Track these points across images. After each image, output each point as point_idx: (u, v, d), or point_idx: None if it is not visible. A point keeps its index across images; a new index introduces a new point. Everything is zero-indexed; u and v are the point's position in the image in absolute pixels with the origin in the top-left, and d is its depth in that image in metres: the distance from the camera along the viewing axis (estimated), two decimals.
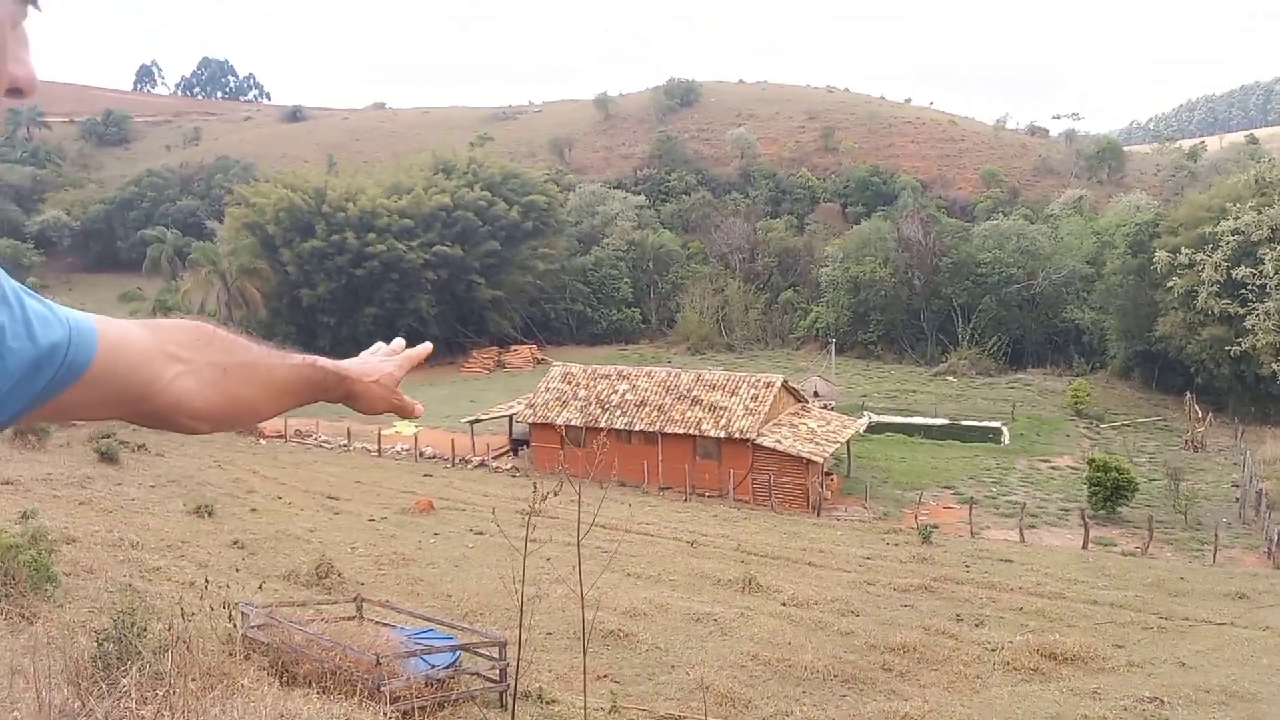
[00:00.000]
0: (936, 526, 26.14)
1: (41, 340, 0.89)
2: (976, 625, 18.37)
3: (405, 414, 1.38)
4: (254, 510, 22.41)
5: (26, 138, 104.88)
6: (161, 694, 6.80)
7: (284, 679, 11.07)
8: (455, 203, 59.16)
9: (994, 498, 30.76)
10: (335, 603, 14.75)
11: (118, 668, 7.89)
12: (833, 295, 60.02)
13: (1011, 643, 17.01)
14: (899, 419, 42.96)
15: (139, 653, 8.30)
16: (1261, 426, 38.37)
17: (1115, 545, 26.06)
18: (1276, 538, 25.00)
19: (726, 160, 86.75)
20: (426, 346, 1.49)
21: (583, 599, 6.58)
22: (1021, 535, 26.40)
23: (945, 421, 42.92)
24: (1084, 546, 25.51)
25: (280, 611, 13.22)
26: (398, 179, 62.05)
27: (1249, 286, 12.95)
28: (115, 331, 0.99)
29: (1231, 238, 12.86)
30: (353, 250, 54.89)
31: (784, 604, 19.17)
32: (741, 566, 20.91)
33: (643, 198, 75.77)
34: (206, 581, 13.22)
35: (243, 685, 9.18)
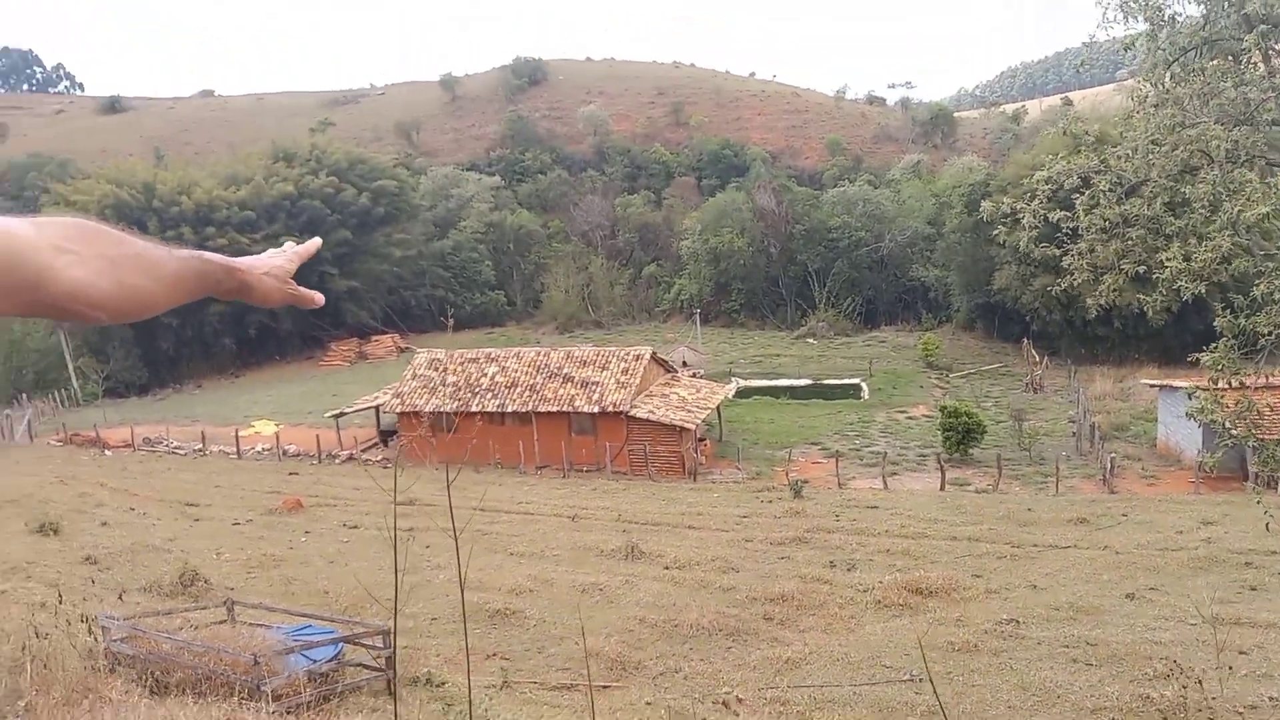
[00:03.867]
0: (806, 481, 27.12)
1: None
2: (849, 570, 19.22)
3: (303, 303, 1.40)
4: (105, 524, 20.98)
5: None
6: (23, 705, 6.35)
7: (155, 689, 10.50)
8: (300, 191, 56.73)
9: (858, 449, 32.20)
10: (204, 608, 14.04)
11: None
12: (694, 267, 61.09)
13: (881, 582, 17.88)
14: (765, 382, 44.30)
15: None
16: (1091, 366, 41.70)
17: (969, 484, 27.78)
18: (1110, 465, 27.27)
19: (580, 138, 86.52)
20: (316, 241, 1.51)
21: (462, 576, 6.56)
22: (885, 482, 27.76)
23: (809, 381, 44.55)
24: (941, 488, 27.08)
25: (145, 622, 12.49)
26: (234, 169, 58.92)
27: (1063, 230, 13.95)
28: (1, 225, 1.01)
29: (1045, 186, 13.82)
30: (190, 246, 51.09)
31: (667, 567, 19.50)
32: (623, 536, 21.12)
33: (498, 179, 74.68)
34: (60, 599, 12.34)
35: (110, 699, 8.64)
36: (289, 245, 1.47)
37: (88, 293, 1.08)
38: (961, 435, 30.04)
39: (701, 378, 39.00)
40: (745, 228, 59.34)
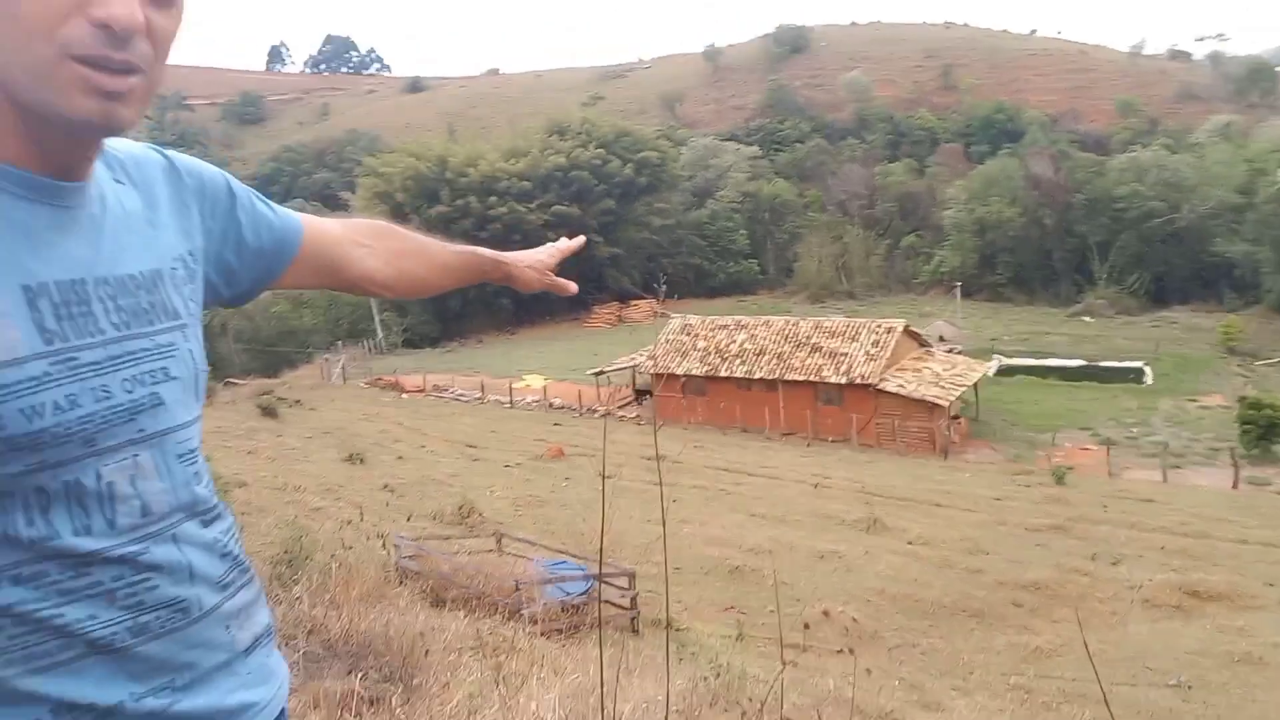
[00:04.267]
0: (1072, 468, 25.36)
1: (268, 237, 1.25)
2: (1114, 564, 17.96)
3: (559, 291, 1.70)
4: (400, 458, 23.85)
5: (174, 120, 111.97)
6: (328, 598, 7.63)
7: (434, 602, 11.97)
8: (571, 163, 59.97)
9: (1135, 439, 29.54)
10: (477, 537, 15.67)
11: (290, 582, 8.82)
12: (957, 238, 58.10)
13: (1151, 580, 16.61)
14: (1031, 361, 41.55)
15: (307, 570, 9.23)
16: None
17: (1269, 484, 24.70)
18: None
19: (840, 105, 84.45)
20: (580, 239, 1.79)
21: (664, 516, 6.98)
22: (1164, 475, 25.37)
23: (1082, 363, 41.23)
24: (1234, 486, 24.35)
25: (428, 544, 14.20)
26: (514, 143, 63.29)
27: None
28: (316, 224, 1.35)
29: None
30: (476, 214, 56.56)
31: (910, 543, 19.19)
32: (866, 507, 20.96)
33: (756, 148, 74.76)
34: (362, 517, 14.33)
35: (398, 605, 10.05)
36: (561, 241, 1.76)
37: (376, 277, 1.42)
38: (1264, 429, 26.71)
39: (959, 354, 37.34)
40: (1016, 196, 55.56)
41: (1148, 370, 38.88)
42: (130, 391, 0.97)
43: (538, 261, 1.64)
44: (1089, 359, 41.67)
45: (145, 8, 0.88)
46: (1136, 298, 51.44)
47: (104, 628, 0.94)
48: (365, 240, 1.42)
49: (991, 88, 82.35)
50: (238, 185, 1.22)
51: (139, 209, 1.05)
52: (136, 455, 0.97)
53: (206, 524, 1.06)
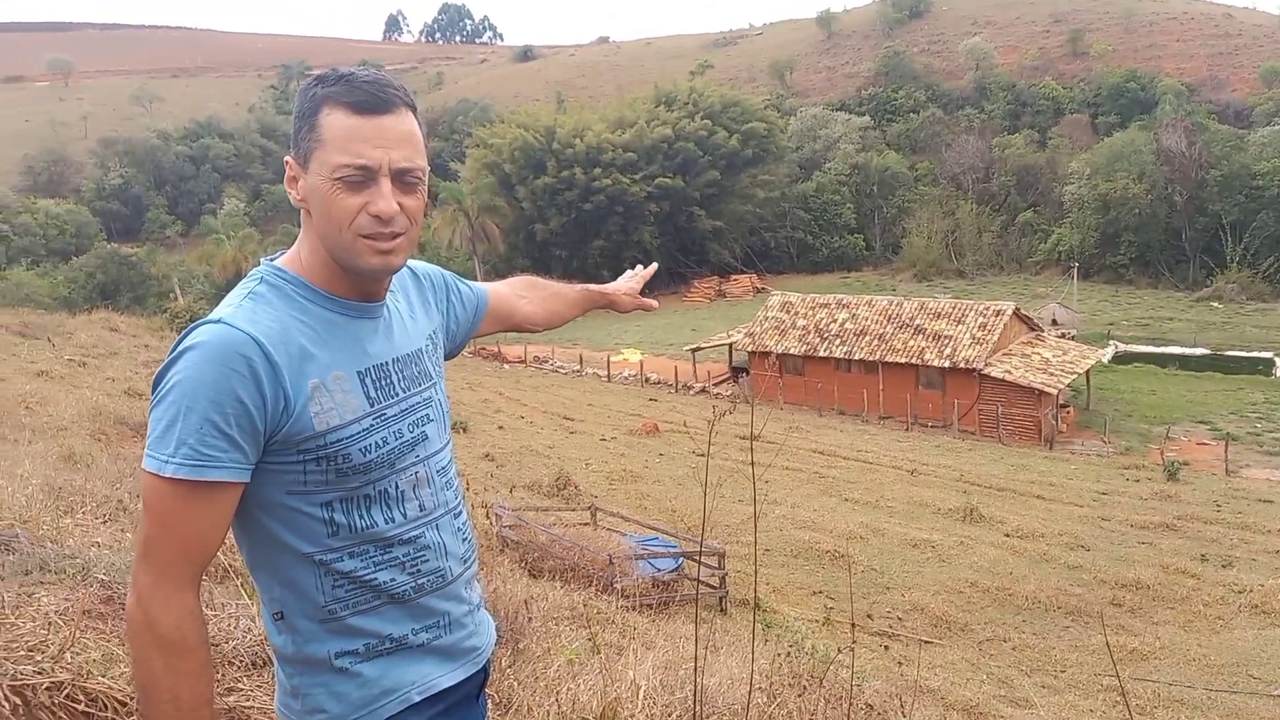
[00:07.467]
0: (1186, 463, 24.35)
1: (469, 306, 1.81)
2: (1223, 566, 17.31)
3: (647, 309, 2.24)
4: (501, 428, 24.70)
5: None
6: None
7: (531, 572, 12.54)
8: (676, 134, 59.74)
9: (1258, 434, 28.07)
10: (573, 510, 16.23)
11: None
12: (1078, 215, 55.61)
13: (1263, 585, 15.96)
14: (1150, 349, 39.74)
15: None
16: None
17: None
18: None
19: (959, 73, 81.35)
20: (653, 266, 2.34)
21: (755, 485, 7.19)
22: None
23: (1206, 351, 39.22)
24: None
25: (527, 515, 14.84)
26: (621, 113, 63.36)
27: None
28: (494, 289, 1.91)
29: None
30: (581, 185, 57.10)
31: (1007, 535, 18.88)
32: (963, 496, 20.68)
33: (867, 118, 72.94)
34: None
35: (499, 573, 10.63)
36: (638, 269, 2.28)
37: (532, 319, 2.01)
38: None
39: (1072, 338, 36.01)
40: (1145, 171, 52.70)
41: (1278, 361, 36.74)
42: (412, 431, 1.49)
43: (630, 290, 2.19)
44: (1214, 348, 39.59)
45: (399, 198, 1.41)
46: (1271, 283, 48.38)
47: (399, 587, 1.47)
48: (523, 292, 2.00)
49: (1124, 54, 77.86)
50: (450, 276, 1.79)
51: (404, 309, 1.61)
52: (416, 471, 1.50)
53: (455, 516, 1.58)
